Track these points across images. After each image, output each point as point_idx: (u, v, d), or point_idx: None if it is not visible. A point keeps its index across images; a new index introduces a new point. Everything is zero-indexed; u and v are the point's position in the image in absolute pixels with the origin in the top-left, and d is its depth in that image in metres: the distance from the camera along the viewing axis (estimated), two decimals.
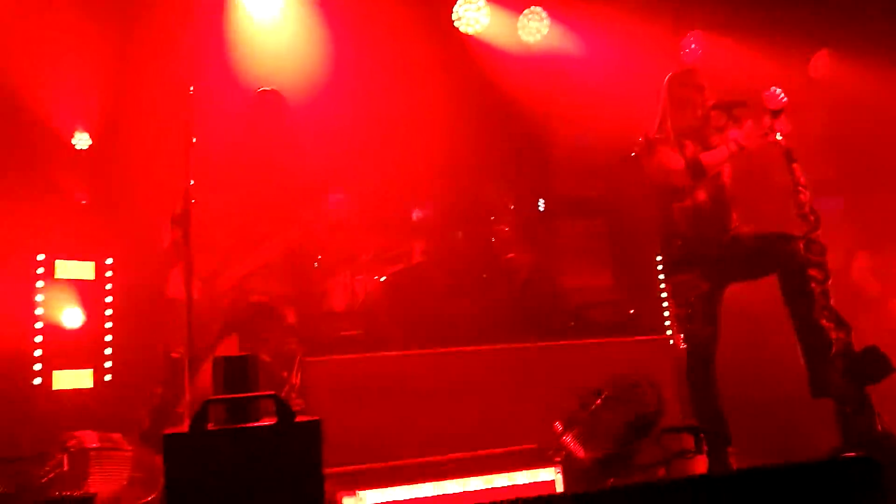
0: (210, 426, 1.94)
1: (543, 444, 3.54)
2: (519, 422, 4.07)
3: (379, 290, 4.92)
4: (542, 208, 5.76)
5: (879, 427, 2.97)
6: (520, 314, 4.99)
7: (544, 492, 3.03)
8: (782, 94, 3.24)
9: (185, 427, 1.92)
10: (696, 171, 3.37)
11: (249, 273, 3.17)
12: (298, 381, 3.02)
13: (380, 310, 4.69)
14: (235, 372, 2.07)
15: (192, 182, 2.83)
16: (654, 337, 4.96)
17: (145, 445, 2.62)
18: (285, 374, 2.98)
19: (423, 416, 4.16)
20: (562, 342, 4.65)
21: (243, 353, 2.17)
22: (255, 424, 1.97)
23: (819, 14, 5.63)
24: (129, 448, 2.59)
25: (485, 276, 5.19)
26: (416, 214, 5.46)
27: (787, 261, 3.25)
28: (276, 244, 3.30)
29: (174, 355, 2.87)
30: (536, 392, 4.23)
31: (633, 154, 3.65)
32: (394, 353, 4.32)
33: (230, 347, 2.87)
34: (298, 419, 1.99)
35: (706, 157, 3.37)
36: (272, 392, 2.06)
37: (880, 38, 5.64)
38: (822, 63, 5.96)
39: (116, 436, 2.68)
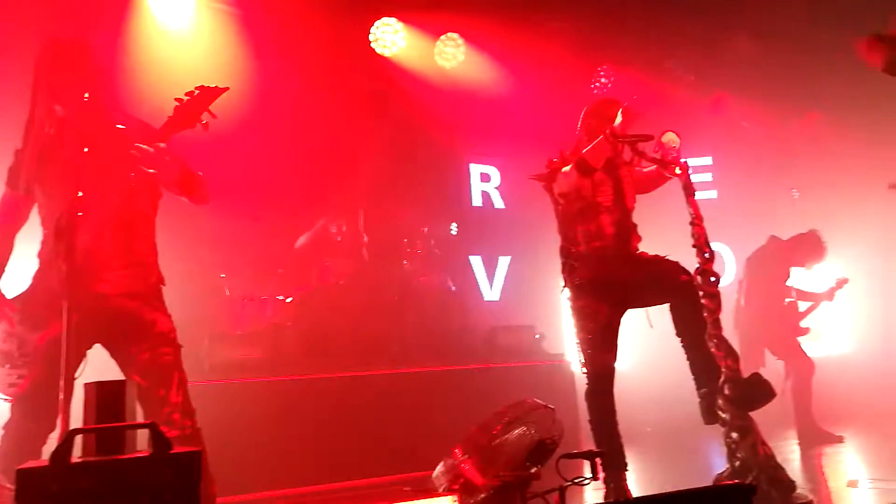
0: (77, 459, 1.81)
1: (444, 470, 3.51)
2: (423, 447, 4.03)
3: (286, 311, 4.80)
4: (454, 232, 5.79)
5: (761, 451, 3.08)
6: (429, 337, 4.97)
7: None
8: (676, 143, 3.33)
9: (44, 461, 1.77)
10: (583, 168, 3.38)
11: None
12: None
13: (286, 332, 4.56)
14: (108, 398, 1.94)
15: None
16: (559, 361, 5.05)
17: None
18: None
19: (325, 442, 4.07)
20: (469, 366, 4.66)
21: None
22: (125, 457, 1.84)
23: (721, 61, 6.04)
24: None
25: (396, 298, 5.14)
26: (328, 233, 5.36)
27: (681, 290, 3.35)
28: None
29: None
30: (442, 416, 4.22)
31: (545, 172, 3.65)
32: (297, 376, 4.21)
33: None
34: (175, 450, 1.88)
35: (589, 153, 3.38)
36: (149, 421, 1.93)
37: (773, 83, 6.09)
38: (722, 102, 6.40)
39: None
